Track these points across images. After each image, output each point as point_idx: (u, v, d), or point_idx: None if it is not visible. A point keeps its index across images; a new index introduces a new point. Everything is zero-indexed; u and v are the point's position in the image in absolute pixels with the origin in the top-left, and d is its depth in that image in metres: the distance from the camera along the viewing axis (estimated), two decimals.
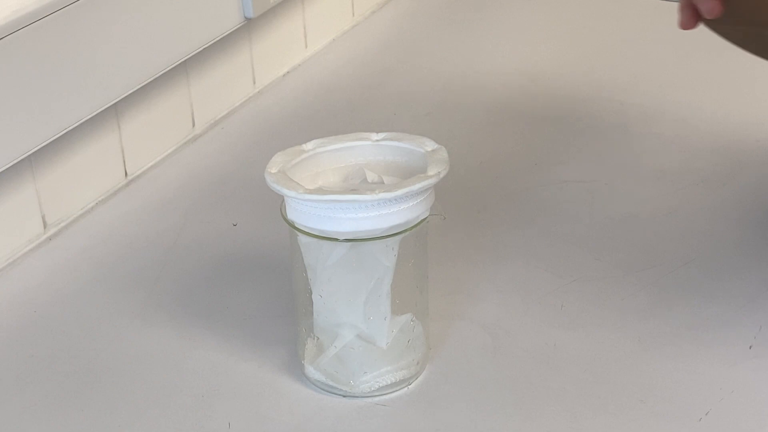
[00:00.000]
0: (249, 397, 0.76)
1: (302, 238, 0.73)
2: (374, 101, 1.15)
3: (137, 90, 0.98)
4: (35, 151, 0.88)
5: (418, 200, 0.71)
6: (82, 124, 0.92)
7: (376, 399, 0.75)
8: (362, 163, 0.76)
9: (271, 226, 0.84)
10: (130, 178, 1.01)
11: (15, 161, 0.86)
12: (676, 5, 0.83)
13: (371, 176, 0.75)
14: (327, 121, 1.11)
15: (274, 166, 0.73)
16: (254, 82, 1.16)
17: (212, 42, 1.06)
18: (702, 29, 0.83)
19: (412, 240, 0.73)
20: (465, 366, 0.78)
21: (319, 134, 0.77)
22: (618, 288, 0.85)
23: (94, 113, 0.93)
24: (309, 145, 0.76)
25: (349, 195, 0.69)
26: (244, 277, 0.87)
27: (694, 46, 1.24)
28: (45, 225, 0.93)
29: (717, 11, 0.80)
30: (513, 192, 0.98)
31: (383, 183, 0.75)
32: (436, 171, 0.71)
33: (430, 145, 0.75)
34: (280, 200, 0.73)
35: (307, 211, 0.71)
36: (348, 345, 0.74)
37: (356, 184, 0.75)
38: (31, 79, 0.87)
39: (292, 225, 0.72)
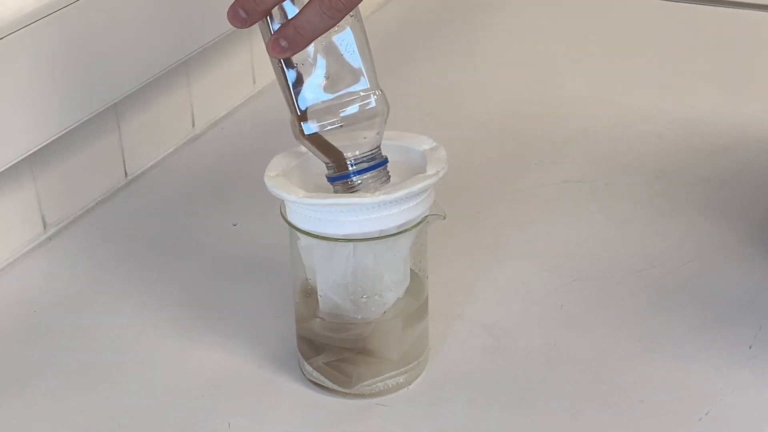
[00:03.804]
0: (249, 397, 0.75)
1: (302, 240, 0.72)
2: None
3: (137, 90, 0.98)
4: (35, 151, 0.88)
5: (418, 200, 0.71)
6: (82, 124, 0.92)
7: (376, 399, 0.75)
8: None
9: (271, 226, 0.84)
10: (130, 178, 1.01)
11: (15, 161, 0.86)
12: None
13: None
14: None
15: (273, 170, 0.73)
16: (254, 82, 1.16)
17: (212, 42, 1.06)
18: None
19: (412, 240, 0.73)
20: (465, 366, 0.78)
21: None
22: (618, 288, 0.85)
23: (94, 113, 0.93)
24: None
25: (348, 198, 0.69)
26: (244, 277, 0.87)
27: (694, 46, 1.24)
28: (45, 225, 0.93)
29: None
30: (513, 192, 0.98)
31: None
32: (435, 170, 0.71)
33: (427, 144, 0.75)
34: (280, 200, 0.73)
35: (307, 215, 0.70)
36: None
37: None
38: (31, 79, 0.86)
39: (292, 225, 0.72)
